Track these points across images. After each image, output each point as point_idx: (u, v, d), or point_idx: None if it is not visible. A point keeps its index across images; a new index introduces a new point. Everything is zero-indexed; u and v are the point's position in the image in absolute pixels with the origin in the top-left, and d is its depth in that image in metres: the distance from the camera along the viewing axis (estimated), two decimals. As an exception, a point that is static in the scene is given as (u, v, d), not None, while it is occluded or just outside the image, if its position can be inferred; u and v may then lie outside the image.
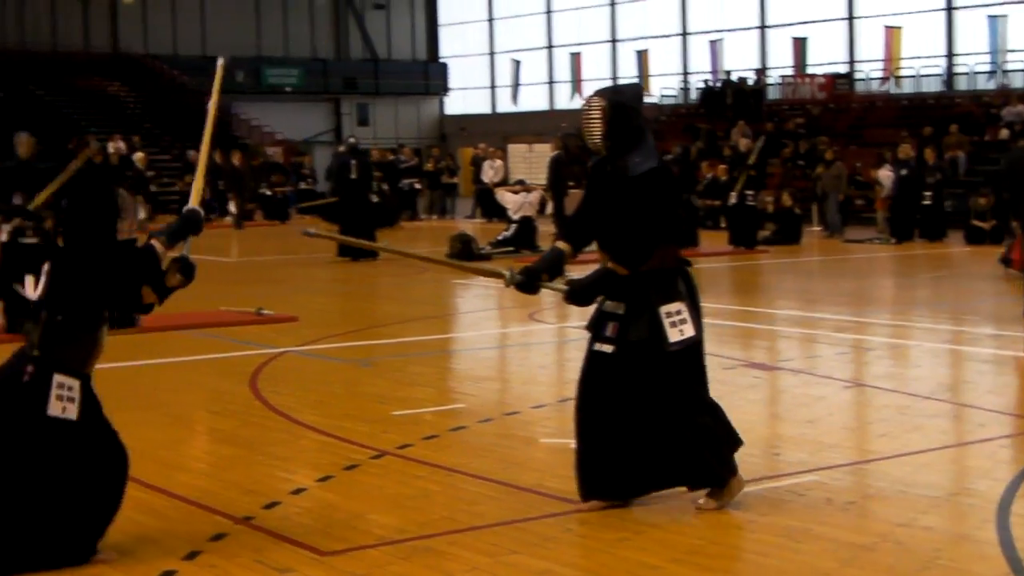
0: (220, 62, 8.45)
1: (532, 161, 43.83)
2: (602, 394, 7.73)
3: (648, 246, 7.65)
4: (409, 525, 7.62)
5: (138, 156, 38.96)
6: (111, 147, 42.80)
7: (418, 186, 43.03)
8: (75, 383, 7.01)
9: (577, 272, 8.16)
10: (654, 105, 50.60)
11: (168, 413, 11.24)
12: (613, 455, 7.73)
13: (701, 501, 7.83)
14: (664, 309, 7.64)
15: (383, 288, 21.90)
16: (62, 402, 6.94)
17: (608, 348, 7.72)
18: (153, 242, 7.20)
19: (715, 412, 7.86)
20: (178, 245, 7.32)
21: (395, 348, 14.87)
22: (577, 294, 7.82)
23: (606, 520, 7.63)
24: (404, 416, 10.85)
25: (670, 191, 7.92)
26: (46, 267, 7.12)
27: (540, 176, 35.41)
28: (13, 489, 6.85)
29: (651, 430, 7.67)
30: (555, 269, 7.91)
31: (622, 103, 7.75)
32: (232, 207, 39.32)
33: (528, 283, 7.90)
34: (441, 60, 66.66)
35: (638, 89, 8.29)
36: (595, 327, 7.85)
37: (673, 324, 7.63)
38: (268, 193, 42.61)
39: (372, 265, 25.00)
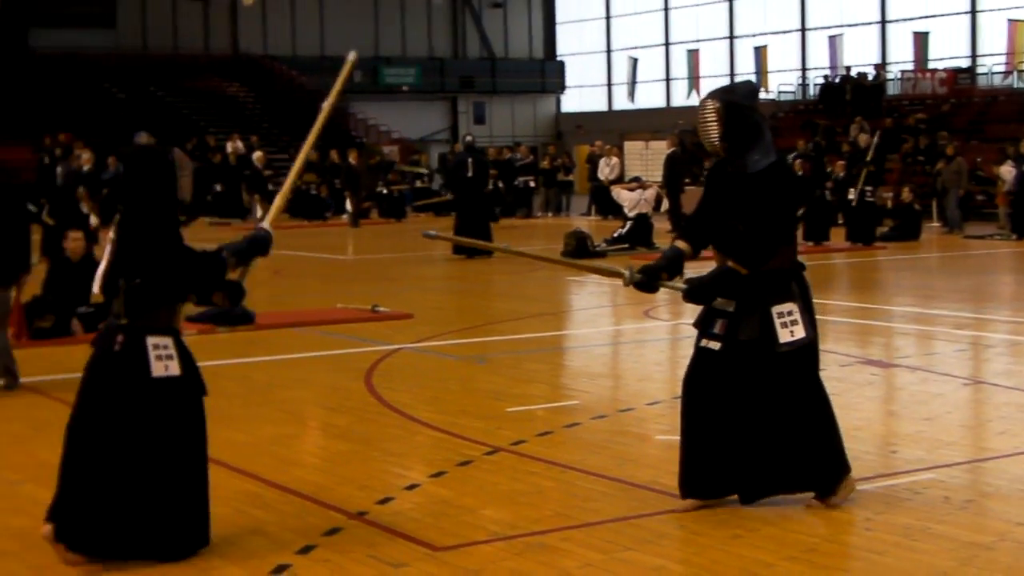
0: (352, 56, 8.46)
1: (648, 158, 43.78)
2: (708, 392, 7.68)
3: (771, 245, 7.60)
4: (522, 521, 7.62)
5: (257, 155, 39.32)
6: (229, 147, 43.29)
7: (533, 184, 43.04)
8: (168, 340, 7.07)
9: (693, 271, 8.12)
10: (772, 101, 50.25)
11: (284, 409, 11.31)
12: (716, 455, 7.68)
13: (813, 500, 7.75)
14: (776, 309, 7.58)
15: (498, 285, 21.92)
16: (162, 361, 7.00)
17: (715, 345, 7.67)
18: (225, 254, 7.23)
19: (828, 414, 7.77)
20: (240, 267, 7.34)
21: (510, 345, 14.88)
22: (696, 293, 7.76)
23: (720, 517, 7.58)
24: (518, 412, 10.86)
25: (790, 186, 7.86)
26: (110, 234, 7.17)
27: (656, 173, 35.32)
28: (145, 459, 6.93)
29: (757, 431, 7.61)
30: (674, 268, 7.87)
31: (735, 103, 7.72)
32: (348, 205, 39.55)
33: (648, 282, 7.88)
34: (558, 58, 66.64)
35: (751, 86, 8.24)
36: (703, 324, 7.80)
37: (784, 325, 7.56)
38: (384, 191, 42.83)
39: (487, 263, 25.04)
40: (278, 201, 7.82)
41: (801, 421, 7.62)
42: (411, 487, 8.46)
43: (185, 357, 7.14)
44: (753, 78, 51.26)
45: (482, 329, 16.27)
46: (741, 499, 7.71)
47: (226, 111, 53.36)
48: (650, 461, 9.03)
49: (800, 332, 7.59)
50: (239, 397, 11.80)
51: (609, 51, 64.03)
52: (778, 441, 7.59)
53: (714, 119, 7.66)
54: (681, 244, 7.86)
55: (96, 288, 7.19)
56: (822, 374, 7.92)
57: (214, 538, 7.29)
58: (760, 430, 7.58)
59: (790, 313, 7.59)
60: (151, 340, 6.99)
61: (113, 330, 7.06)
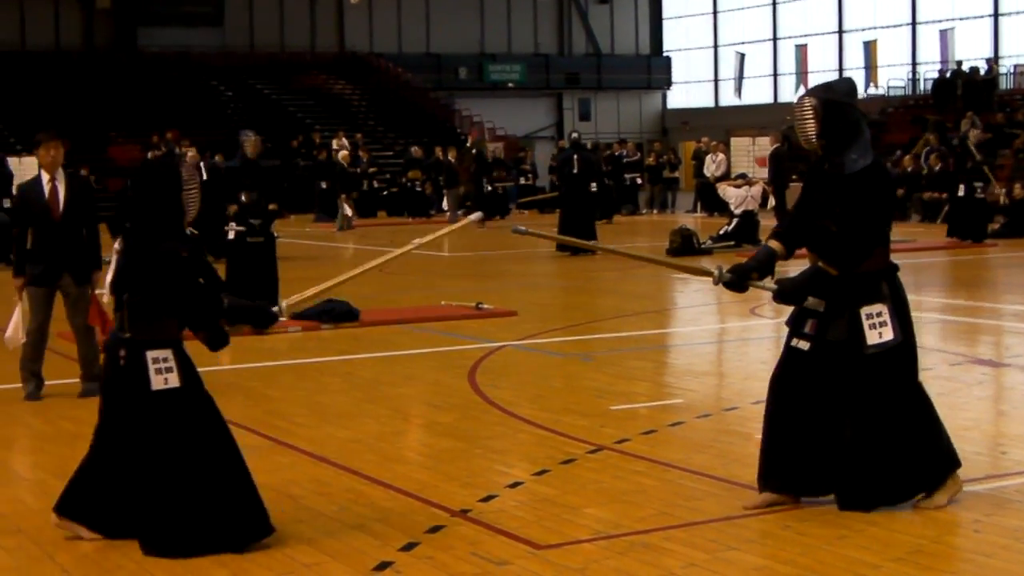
0: (475, 216, 8.66)
1: (755, 155, 43.45)
2: (795, 390, 7.65)
3: (864, 248, 7.54)
4: (625, 520, 7.59)
5: (342, 155, 39.11)
6: (335, 144, 43.49)
7: (639, 180, 42.94)
8: (168, 352, 7.22)
9: (792, 269, 8.06)
10: (881, 97, 49.78)
11: (388, 406, 11.34)
12: (797, 451, 7.65)
13: (919, 500, 7.65)
14: (865, 310, 7.53)
15: (602, 283, 21.86)
16: (162, 375, 7.17)
17: (804, 345, 7.65)
18: (226, 304, 7.37)
19: (923, 417, 7.67)
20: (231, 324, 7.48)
21: (613, 342, 14.84)
22: (787, 294, 7.72)
23: (825, 517, 7.50)
24: (622, 411, 10.82)
25: (885, 189, 7.77)
26: (116, 245, 7.29)
27: (763, 170, 35.07)
28: (152, 472, 7.12)
29: (848, 434, 7.54)
30: (766, 268, 7.82)
31: (834, 100, 7.65)
32: (446, 203, 39.55)
33: (738, 282, 7.84)
34: (664, 54, 66.43)
35: (850, 84, 8.15)
36: (794, 323, 7.77)
37: (873, 326, 7.50)
38: (489, 188, 42.88)
39: (591, 260, 24.99)
40: (309, 293, 7.94)
41: (894, 424, 7.54)
42: (514, 485, 8.45)
43: (186, 367, 7.29)
44: (862, 73, 50.88)
45: (586, 327, 16.24)
46: (840, 504, 7.64)
47: (332, 109, 53.73)
48: (755, 460, 8.86)
49: (889, 334, 7.51)
50: (343, 393, 11.86)
51: (716, 46, 63.74)
52: (870, 444, 7.52)
53: (811, 116, 7.61)
54: (774, 244, 7.83)
55: (105, 298, 7.36)
56: (930, 373, 7.84)
57: (317, 533, 7.37)
58: (850, 432, 7.52)
59: (879, 314, 7.52)
60: (151, 354, 7.17)
61: (117, 344, 7.26)
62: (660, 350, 14.74)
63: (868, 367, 7.51)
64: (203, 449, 7.18)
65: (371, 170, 43.21)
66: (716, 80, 63.69)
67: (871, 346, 7.48)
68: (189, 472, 7.11)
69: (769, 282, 7.82)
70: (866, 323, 7.50)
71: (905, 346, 7.59)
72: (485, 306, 17.16)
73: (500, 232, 34.55)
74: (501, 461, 9.20)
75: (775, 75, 60.07)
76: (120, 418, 7.21)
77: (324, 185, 40.22)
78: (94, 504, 7.30)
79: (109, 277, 7.32)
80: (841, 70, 55.34)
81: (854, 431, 7.51)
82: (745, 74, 57.96)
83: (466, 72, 59.91)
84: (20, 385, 11.91)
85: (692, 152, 45.22)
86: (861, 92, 52.72)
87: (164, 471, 7.10)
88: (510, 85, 61.02)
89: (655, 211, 42.42)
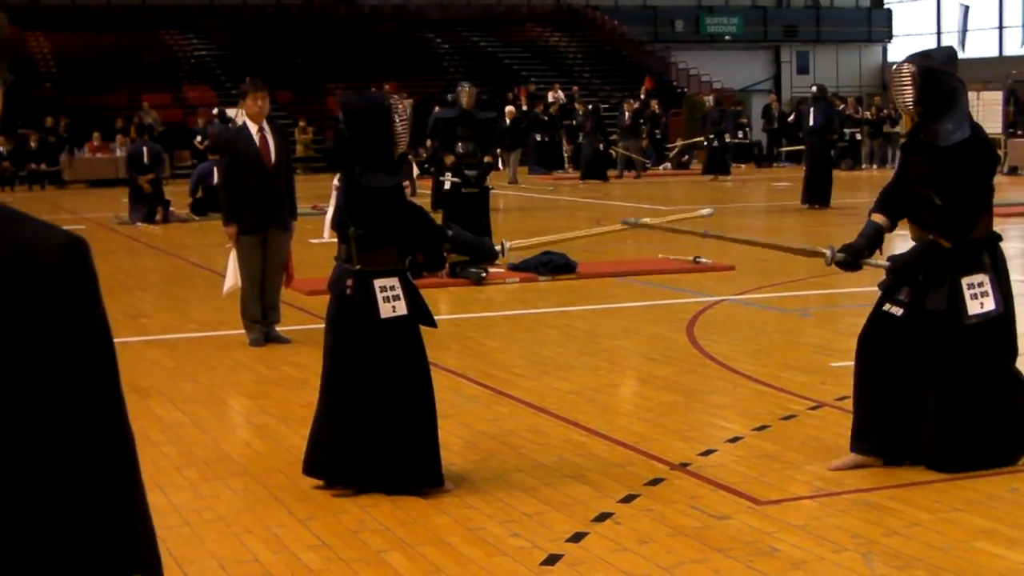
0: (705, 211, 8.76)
1: (979, 109, 42.46)
2: (884, 355, 7.59)
3: (971, 216, 7.45)
4: (847, 478, 7.49)
5: (508, 110, 38.41)
6: (551, 97, 43.50)
7: (859, 136, 42.26)
8: (394, 280, 7.29)
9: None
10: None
11: (606, 358, 11.35)
12: (883, 416, 7.57)
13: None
14: (966, 280, 7.45)
15: (823, 237, 21.44)
16: (389, 303, 7.24)
17: (898, 311, 7.59)
18: (450, 233, 7.49)
19: (1013, 389, 7.55)
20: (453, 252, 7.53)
21: (833, 298, 14.67)
22: (901, 271, 7.65)
23: (1055, 481, 7.34)
24: (842, 368, 10.64)
25: (983, 162, 7.62)
26: (335, 181, 7.35)
27: (987, 124, 34.28)
28: (383, 396, 7.22)
29: (925, 399, 7.45)
30: (875, 244, 7.86)
31: (931, 68, 7.59)
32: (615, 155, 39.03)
33: (852, 262, 7.90)
34: (886, 6, 65.17)
35: (950, 52, 8.05)
36: (888, 288, 7.68)
37: (974, 296, 7.43)
38: (705, 143, 42.52)
39: (822, 215, 24.75)
40: (534, 240, 8.00)
41: (983, 393, 7.46)
42: (733, 440, 8.41)
43: (412, 295, 7.35)
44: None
45: (806, 282, 16.04)
46: (928, 466, 7.54)
47: (548, 61, 53.78)
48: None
49: (991, 304, 7.44)
50: (561, 346, 11.89)
51: (939, -1, 62.38)
52: (955, 412, 7.43)
53: (909, 83, 7.56)
54: (878, 217, 7.84)
55: (326, 235, 7.43)
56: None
57: (537, 483, 7.42)
58: (934, 400, 7.43)
59: (980, 284, 7.46)
60: (378, 283, 7.24)
61: (344, 275, 7.36)
62: (881, 307, 14.49)
63: (967, 337, 7.43)
64: (417, 384, 7.29)
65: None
66: (939, 33, 62.26)
67: (972, 316, 7.41)
68: (402, 408, 7.23)
69: (880, 258, 7.76)
70: (967, 293, 7.42)
71: (1004, 317, 7.51)
72: (703, 260, 17.07)
73: (717, 186, 34.31)
74: (720, 415, 9.15)
75: (1000, 28, 58.55)
76: (350, 350, 7.28)
77: (539, 137, 40.26)
78: (339, 458, 7.32)
79: (330, 213, 7.43)
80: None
81: (939, 399, 7.43)
82: (968, 27, 56.58)
83: (683, 24, 59.46)
84: (244, 332, 12.19)
85: (913, 107, 44.32)
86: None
87: (381, 403, 7.21)
88: (727, 38, 60.42)
89: (875, 166, 41.74)
